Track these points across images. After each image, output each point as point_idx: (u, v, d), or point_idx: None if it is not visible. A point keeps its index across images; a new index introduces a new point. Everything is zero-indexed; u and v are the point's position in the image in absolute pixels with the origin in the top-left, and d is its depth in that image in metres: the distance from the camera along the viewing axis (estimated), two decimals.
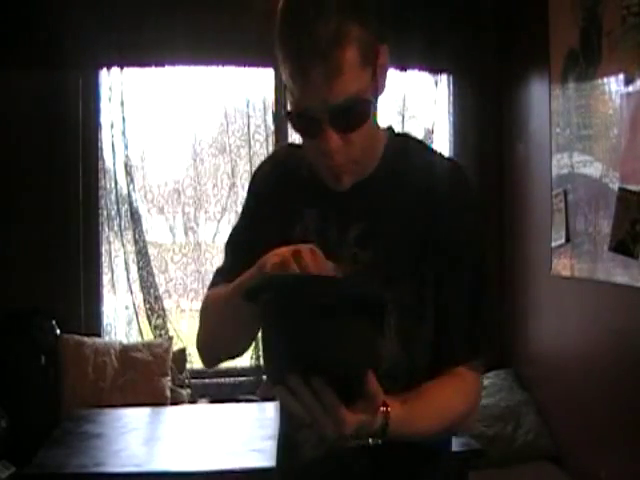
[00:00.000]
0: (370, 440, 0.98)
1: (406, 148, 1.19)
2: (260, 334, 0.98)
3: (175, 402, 3.38)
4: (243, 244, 1.23)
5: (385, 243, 1.13)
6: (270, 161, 1.30)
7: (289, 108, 1.06)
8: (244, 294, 0.97)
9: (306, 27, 0.97)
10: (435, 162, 1.17)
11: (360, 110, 1.04)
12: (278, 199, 1.21)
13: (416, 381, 1.10)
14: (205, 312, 1.22)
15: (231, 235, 1.29)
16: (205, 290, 1.29)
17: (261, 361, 3.31)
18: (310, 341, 0.89)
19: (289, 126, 1.14)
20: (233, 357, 1.26)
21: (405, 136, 1.24)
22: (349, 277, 1.09)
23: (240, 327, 1.12)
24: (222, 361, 1.26)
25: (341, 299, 0.90)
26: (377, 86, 1.08)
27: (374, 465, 1.12)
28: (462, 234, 1.14)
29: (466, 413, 1.12)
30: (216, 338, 1.20)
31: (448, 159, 1.22)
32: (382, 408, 0.96)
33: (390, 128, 1.22)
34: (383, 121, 1.18)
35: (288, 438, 1.23)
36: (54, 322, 3.39)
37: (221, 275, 1.23)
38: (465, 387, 1.12)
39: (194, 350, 1.30)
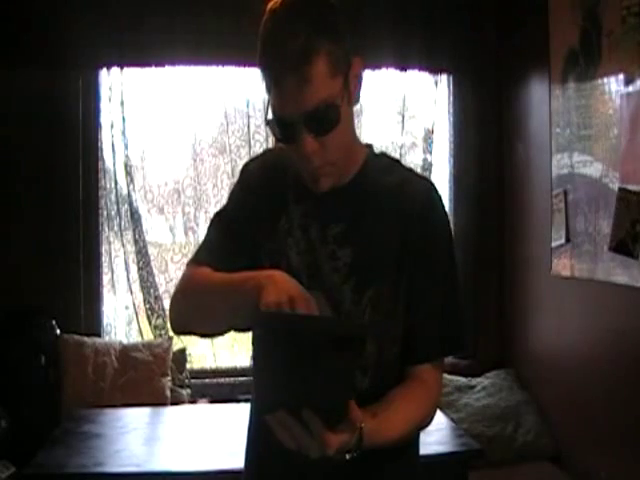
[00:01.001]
0: (347, 455, 1.06)
1: (383, 162, 1.30)
2: (252, 363, 1.04)
3: (175, 402, 3.37)
4: (231, 227, 1.30)
5: (361, 243, 1.22)
6: (260, 157, 1.38)
7: (269, 116, 1.16)
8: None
9: (279, 43, 1.09)
10: (409, 176, 1.28)
11: (331, 114, 1.13)
12: (266, 189, 1.29)
13: (384, 374, 1.22)
14: (191, 288, 1.26)
15: (218, 215, 1.34)
16: None
17: None
18: (298, 377, 0.96)
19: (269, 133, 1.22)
20: (204, 336, 1.36)
21: (383, 154, 1.34)
22: (333, 317, 1.19)
23: (222, 318, 1.19)
24: (190, 334, 1.33)
25: (325, 337, 0.96)
26: (350, 95, 1.16)
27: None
28: (432, 241, 1.23)
29: (428, 414, 1.23)
30: (194, 316, 1.25)
31: (421, 176, 1.33)
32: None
33: (370, 146, 1.32)
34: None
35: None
36: (54, 322, 3.39)
37: (209, 254, 1.28)
38: (428, 391, 1.23)
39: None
